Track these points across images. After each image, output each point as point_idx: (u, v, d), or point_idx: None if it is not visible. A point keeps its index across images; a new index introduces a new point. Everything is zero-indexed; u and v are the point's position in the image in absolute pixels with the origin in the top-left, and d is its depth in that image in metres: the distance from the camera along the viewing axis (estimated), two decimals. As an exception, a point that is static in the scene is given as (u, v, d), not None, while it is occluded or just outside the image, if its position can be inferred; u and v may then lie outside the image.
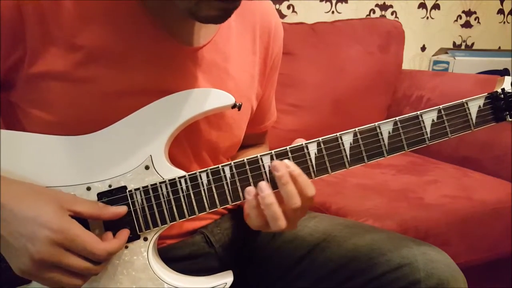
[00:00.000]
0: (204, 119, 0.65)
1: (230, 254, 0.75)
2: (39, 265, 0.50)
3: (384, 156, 0.60)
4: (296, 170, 0.57)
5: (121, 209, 0.57)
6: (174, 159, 0.62)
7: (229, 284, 0.61)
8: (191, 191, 0.59)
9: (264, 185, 0.56)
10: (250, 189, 0.57)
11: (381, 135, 0.59)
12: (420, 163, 1.51)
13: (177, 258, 0.69)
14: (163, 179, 0.59)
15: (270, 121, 0.86)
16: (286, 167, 0.56)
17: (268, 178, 0.58)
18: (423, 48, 2.16)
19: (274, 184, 0.57)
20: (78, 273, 0.53)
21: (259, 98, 0.77)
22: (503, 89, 0.61)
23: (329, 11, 1.88)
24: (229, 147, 0.72)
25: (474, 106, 0.61)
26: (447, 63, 2.03)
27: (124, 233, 0.57)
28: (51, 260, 0.50)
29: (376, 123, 0.59)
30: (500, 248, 1.20)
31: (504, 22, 2.33)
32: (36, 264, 0.50)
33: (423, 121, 0.60)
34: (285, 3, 1.78)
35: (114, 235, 0.57)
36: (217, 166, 0.59)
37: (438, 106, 0.60)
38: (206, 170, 0.58)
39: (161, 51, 0.61)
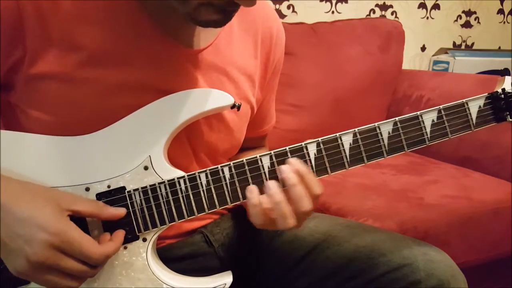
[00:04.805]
0: (205, 121, 0.65)
1: (230, 254, 0.75)
2: (36, 267, 0.50)
3: (384, 157, 0.59)
4: (303, 168, 0.57)
5: (120, 211, 0.57)
6: (174, 159, 0.62)
7: (228, 285, 0.61)
8: (190, 192, 0.58)
9: (272, 183, 0.56)
10: (251, 188, 0.57)
11: (381, 135, 0.59)
12: (420, 163, 1.51)
13: (176, 257, 0.69)
14: (162, 179, 0.58)
15: (269, 125, 0.85)
16: (293, 168, 0.56)
17: (268, 178, 0.58)
18: (423, 48, 2.16)
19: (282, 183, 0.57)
20: (74, 275, 0.52)
21: (259, 102, 0.77)
22: (503, 89, 0.61)
23: (329, 11, 1.88)
24: (228, 149, 0.72)
25: (474, 106, 0.60)
26: (447, 63, 2.03)
27: (120, 234, 0.57)
28: (47, 263, 0.50)
29: (376, 124, 0.59)
30: (500, 248, 1.20)
31: (504, 22, 2.33)
32: (32, 266, 0.50)
33: (423, 121, 0.60)
34: (285, 3, 1.78)
35: None
36: (216, 166, 0.58)
37: (438, 106, 0.60)
38: (205, 171, 0.58)
39: (161, 53, 0.61)
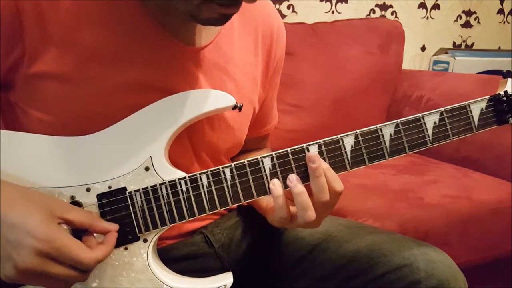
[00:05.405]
0: (206, 121, 0.65)
1: (230, 254, 0.75)
2: (24, 274, 0.49)
3: (385, 159, 0.59)
4: (325, 164, 0.58)
5: (113, 227, 0.56)
6: (175, 160, 0.62)
7: (229, 286, 0.61)
8: (191, 193, 0.58)
9: (293, 175, 0.58)
10: (275, 180, 0.58)
11: (383, 137, 0.59)
12: (420, 163, 1.51)
13: (177, 258, 0.69)
14: (163, 180, 0.58)
15: (271, 124, 0.85)
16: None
17: (269, 179, 0.58)
18: (423, 48, 2.16)
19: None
20: (64, 280, 0.51)
21: (261, 100, 0.77)
22: (505, 92, 0.61)
23: (329, 11, 1.88)
24: (229, 148, 0.72)
25: (477, 108, 0.60)
26: (447, 63, 2.03)
27: (112, 237, 0.56)
28: (35, 270, 0.48)
29: (377, 126, 0.59)
30: (500, 248, 1.20)
31: (504, 22, 2.33)
32: (20, 273, 0.48)
33: (425, 123, 0.60)
34: (285, 3, 1.78)
35: None
36: (217, 167, 0.58)
37: (440, 109, 0.60)
38: (206, 172, 0.58)
39: (162, 51, 0.61)
